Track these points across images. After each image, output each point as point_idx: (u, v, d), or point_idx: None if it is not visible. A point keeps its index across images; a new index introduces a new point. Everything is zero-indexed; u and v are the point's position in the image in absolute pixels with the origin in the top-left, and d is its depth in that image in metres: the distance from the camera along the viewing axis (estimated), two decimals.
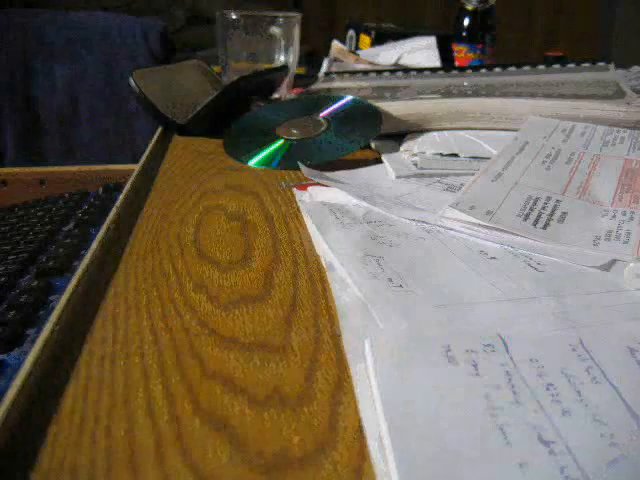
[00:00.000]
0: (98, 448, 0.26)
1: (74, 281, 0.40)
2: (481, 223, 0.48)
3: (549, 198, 0.53)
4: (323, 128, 0.73)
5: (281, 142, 0.72)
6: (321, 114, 0.76)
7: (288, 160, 0.68)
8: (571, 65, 0.99)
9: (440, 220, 0.50)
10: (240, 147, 0.73)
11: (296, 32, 1.06)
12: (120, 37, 1.78)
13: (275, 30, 1.05)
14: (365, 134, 0.73)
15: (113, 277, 0.42)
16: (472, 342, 0.32)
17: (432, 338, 0.32)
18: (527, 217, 0.49)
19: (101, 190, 0.78)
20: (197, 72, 0.98)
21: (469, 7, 1.21)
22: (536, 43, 3.10)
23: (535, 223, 0.48)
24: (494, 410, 0.27)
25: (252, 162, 0.69)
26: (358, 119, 0.76)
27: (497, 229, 0.47)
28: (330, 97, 0.83)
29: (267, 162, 0.69)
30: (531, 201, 0.52)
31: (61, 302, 0.37)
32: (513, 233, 0.47)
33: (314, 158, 0.67)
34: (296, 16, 1.07)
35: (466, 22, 1.21)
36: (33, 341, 0.38)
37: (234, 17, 1.03)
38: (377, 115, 0.75)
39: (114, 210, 0.53)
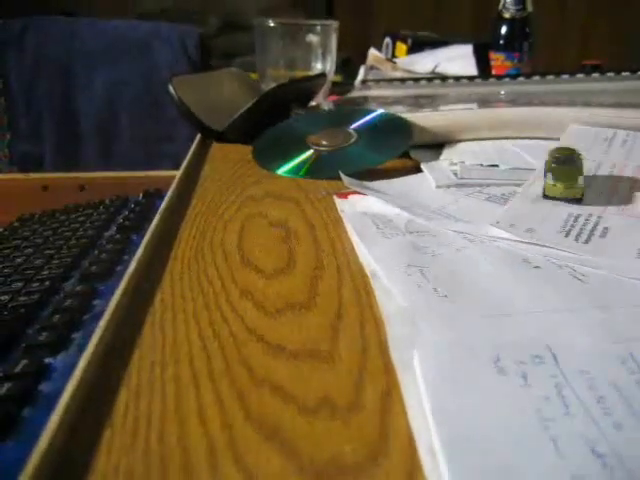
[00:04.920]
0: (152, 453, 0.26)
1: (122, 286, 0.40)
2: (522, 240, 0.48)
3: (590, 215, 0.52)
4: (353, 139, 0.74)
5: (310, 152, 0.72)
6: (352, 126, 0.76)
7: (316, 170, 0.69)
8: (610, 74, 0.98)
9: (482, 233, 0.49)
10: (269, 155, 0.74)
11: (333, 40, 1.07)
12: (158, 44, 1.80)
13: (312, 38, 1.06)
14: (394, 147, 0.74)
15: (159, 283, 0.42)
16: (521, 353, 0.32)
17: (481, 349, 0.32)
18: (568, 234, 0.49)
19: (141, 196, 0.79)
20: (235, 80, 0.99)
21: (506, 15, 1.20)
22: (570, 52, 3.08)
23: (576, 239, 0.48)
24: (546, 422, 0.27)
25: (280, 170, 0.70)
26: (387, 132, 0.76)
27: (538, 245, 0.47)
28: (361, 110, 0.83)
29: (295, 171, 0.69)
30: (572, 218, 0.51)
31: (109, 307, 0.38)
32: (555, 248, 0.47)
33: (342, 168, 0.66)
34: (333, 24, 1.08)
35: (503, 30, 1.20)
36: (79, 345, 0.38)
37: (272, 25, 1.04)
38: (407, 128, 0.75)
39: (158, 216, 0.53)
